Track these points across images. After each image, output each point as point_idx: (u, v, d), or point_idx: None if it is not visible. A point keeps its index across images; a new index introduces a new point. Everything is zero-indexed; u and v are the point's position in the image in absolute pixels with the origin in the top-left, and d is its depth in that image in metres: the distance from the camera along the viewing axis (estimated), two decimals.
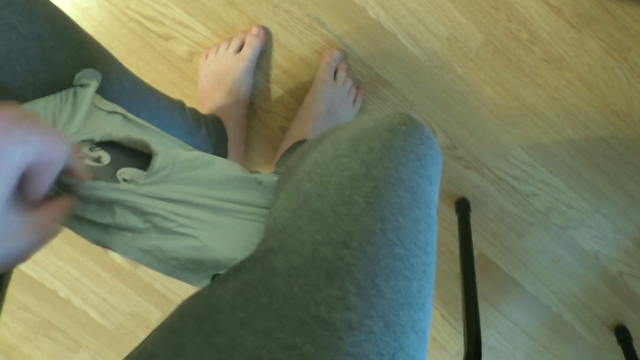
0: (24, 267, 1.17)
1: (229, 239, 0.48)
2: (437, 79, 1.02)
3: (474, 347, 0.88)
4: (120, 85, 0.61)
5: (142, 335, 1.21)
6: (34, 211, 0.36)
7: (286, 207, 0.45)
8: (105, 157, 0.49)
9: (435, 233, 0.45)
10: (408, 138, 0.46)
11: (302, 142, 0.98)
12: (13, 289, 1.17)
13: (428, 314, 0.38)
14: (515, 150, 1.06)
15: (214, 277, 0.47)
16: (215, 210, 0.50)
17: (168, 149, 0.50)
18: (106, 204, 0.45)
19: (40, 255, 1.14)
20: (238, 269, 0.40)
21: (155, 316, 1.20)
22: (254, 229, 0.51)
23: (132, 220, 0.46)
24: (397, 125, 0.47)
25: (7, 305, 1.17)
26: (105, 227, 0.46)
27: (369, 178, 0.42)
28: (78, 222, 0.46)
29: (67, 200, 0.41)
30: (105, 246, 0.47)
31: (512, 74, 1.01)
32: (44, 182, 0.36)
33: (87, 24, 1.01)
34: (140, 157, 0.51)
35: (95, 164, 0.47)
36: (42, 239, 0.37)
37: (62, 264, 1.15)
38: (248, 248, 0.47)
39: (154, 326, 1.17)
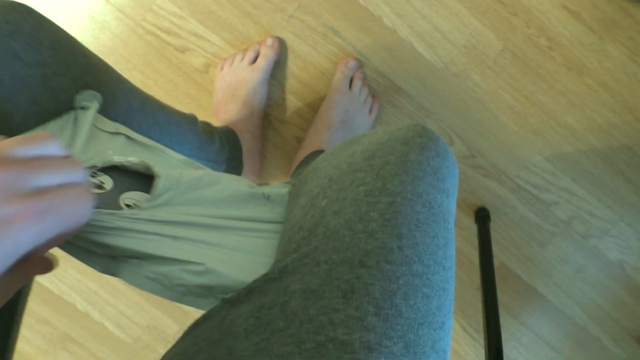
0: (42, 280, 1.18)
1: (237, 261, 0.47)
2: (454, 87, 1.01)
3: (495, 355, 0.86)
4: (128, 105, 0.61)
5: (160, 348, 1.21)
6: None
7: (301, 225, 0.44)
8: (108, 183, 0.48)
9: (454, 247, 0.44)
10: (423, 151, 0.46)
11: (317, 152, 0.97)
12: (32, 302, 1.18)
13: (448, 333, 0.38)
14: (535, 158, 1.04)
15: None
16: (222, 230, 0.49)
17: (171, 170, 0.50)
18: (109, 232, 0.44)
19: (58, 268, 1.14)
20: (251, 290, 0.40)
21: (173, 329, 1.20)
22: (264, 247, 0.50)
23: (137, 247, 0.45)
24: (412, 138, 0.46)
25: (26, 318, 1.18)
26: (112, 256, 0.46)
27: (385, 193, 0.41)
28: (85, 252, 0.45)
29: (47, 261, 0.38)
30: (112, 274, 0.47)
31: (531, 80, 0.99)
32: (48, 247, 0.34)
33: (104, 36, 1.01)
34: (145, 179, 0.50)
35: (98, 190, 0.47)
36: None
37: (80, 276, 1.16)
38: (258, 270, 0.46)
39: (171, 339, 1.18)
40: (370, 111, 1.02)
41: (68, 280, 1.17)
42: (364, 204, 0.41)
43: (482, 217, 1.04)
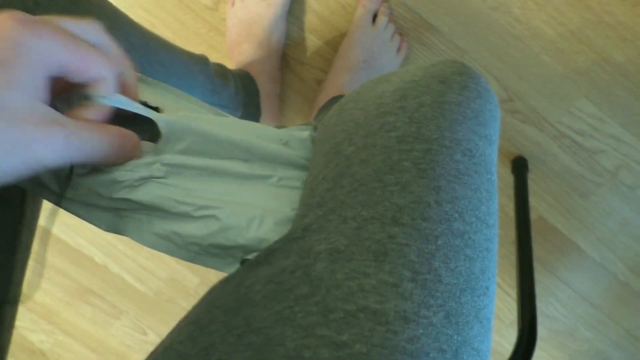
0: (58, 233, 1.17)
1: (257, 215, 0.42)
2: (491, 22, 0.92)
3: (528, 317, 0.83)
4: (128, 43, 0.56)
5: (181, 301, 1.21)
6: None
7: (325, 175, 0.40)
8: None
9: (497, 202, 0.39)
10: (463, 91, 0.41)
11: (338, 97, 0.91)
12: (49, 255, 1.18)
13: (492, 299, 0.34)
14: (580, 101, 0.96)
15: (243, 262, 0.43)
16: (239, 178, 0.45)
17: (180, 112, 0.45)
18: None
19: (74, 221, 1.13)
20: (271, 251, 0.36)
21: (193, 282, 1.19)
22: (287, 198, 0.45)
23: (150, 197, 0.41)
24: (451, 76, 0.42)
25: (44, 270, 1.18)
26: (117, 211, 0.42)
27: (419, 140, 0.37)
28: (86, 208, 0.42)
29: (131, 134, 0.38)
30: (118, 232, 0.43)
31: (578, 13, 0.90)
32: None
33: None
34: (154, 127, 0.45)
35: None
36: (75, 142, 0.32)
37: (96, 229, 1.15)
38: (281, 226, 0.42)
39: (192, 292, 1.18)
40: (398, 51, 0.94)
41: (85, 234, 1.17)
42: (396, 151, 0.37)
43: (519, 166, 0.98)
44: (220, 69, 0.83)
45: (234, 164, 0.45)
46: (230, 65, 0.96)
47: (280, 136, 0.49)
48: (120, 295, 1.22)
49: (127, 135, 0.37)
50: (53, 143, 0.30)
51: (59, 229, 1.17)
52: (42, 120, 0.29)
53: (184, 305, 1.21)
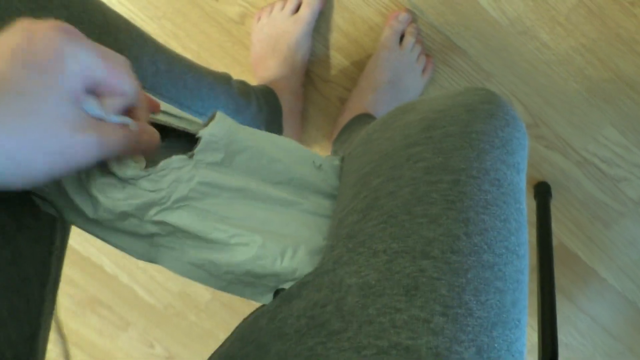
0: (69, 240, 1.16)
1: (290, 244, 0.42)
2: (519, 46, 0.92)
3: (550, 348, 0.82)
4: (154, 67, 0.56)
5: (192, 316, 1.19)
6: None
7: (354, 207, 0.40)
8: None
9: (527, 232, 0.39)
10: (491, 119, 0.41)
11: (362, 116, 0.90)
12: None
13: (524, 331, 0.34)
14: (606, 129, 0.96)
15: (277, 293, 0.42)
16: (271, 202, 0.44)
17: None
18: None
19: None
20: (303, 284, 0.36)
21: (204, 297, 1.18)
22: (317, 226, 0.45)
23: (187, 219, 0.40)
24: (478, 104, 0.42)
25: None
26: (151, 238, 0.41)
27: (447, 171, 0.37)
28: (119, 234, 0.41)
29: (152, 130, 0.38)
30: (152, 261, 0.43)
31: (608, 41, 0.90)
32: (113, 107, 0.34)
33: None
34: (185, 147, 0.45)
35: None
36: (106, 145, 0.33)
37: None
38: (313, 255, 0.42)
39: (202, 308, 1.17)
40: (423, 72, 0.94)
41: (95, 242, 1.14)
42: (424, 183, 0.37)
43: (542, 192, 0.98)
44: (244, 87, 0.83)
45: (267, 187, 0.44)
46: (253, 79, 0.95)
47: (314, 158, 0.48)
48: (129, 307, 1.20)
49: (147, 130, 0.38)
50: (88, 148, 0.31)
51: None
52: (78, 126, 0.30)
53: (193, 319, 1.19)
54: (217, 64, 0.98)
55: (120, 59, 0.35)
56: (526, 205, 0.93)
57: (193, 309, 1.19)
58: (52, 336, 1.21)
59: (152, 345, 1.23)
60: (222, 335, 1.19)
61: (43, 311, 0.41)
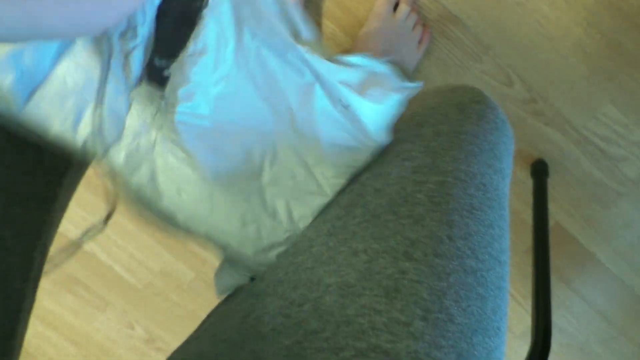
0: None
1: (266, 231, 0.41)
2: (518, 19, 0.89)
3: (543, 331, 0.80)
4: None
5: (174, 297, 1.17)
6: None
7: (338, 200, 0.39)
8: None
9: (509, 238, 0.39)
10: (480, 122, 0.41)
11: None
12: None
13: (504, 339, 0.34)
14: (606, 107, 0.94)
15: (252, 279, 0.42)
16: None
17: None
18: None
19: None
20: (279, 281, 0.36)
21: (188, 276, 1.15)
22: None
23: None
24: (469, 104, 0.42)
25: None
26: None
27: (434, 171, 0.37)
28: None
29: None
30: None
31: (610, 15, 0.88)
32: None
33: None
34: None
35: None
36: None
37: (86, 214, 1.10)
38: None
39: (185, 287, 1.14)
40: (419, 43, 0.92)
41: (73, 218, 1.12)
42: (410, 182, 0.37)
43: (539, 171, 0.96)
44: None
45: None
46: None
47: (342, 92, 0.45)
48: (108, 287, 1.17)
49: None
50: None
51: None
52: None
53: (175, 300, 1.17)
54: None
55: None
56: (517, 180, 0.92)
57: (175, 289, 1.16)
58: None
59: (132, 326, 1.21)
60: (204, 316, 1.16)
61: (22, 307, 0.40)
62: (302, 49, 0.37)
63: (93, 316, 1.20)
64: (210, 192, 0.38)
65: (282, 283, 0.35)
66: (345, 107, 0.39)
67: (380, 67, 0.41)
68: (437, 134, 0.40)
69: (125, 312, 1.19)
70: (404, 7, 0.89)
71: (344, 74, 0.39)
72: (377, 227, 0.35)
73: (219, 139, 0.38)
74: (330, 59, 0.39)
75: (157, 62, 0.36)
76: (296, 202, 0.39)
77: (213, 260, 1.11)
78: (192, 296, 1.16)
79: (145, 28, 0.35)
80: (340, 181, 0.39)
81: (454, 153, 0.38)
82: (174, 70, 0.36)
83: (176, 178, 0.37)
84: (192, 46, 0.36)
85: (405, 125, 0.41)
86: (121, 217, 1.10)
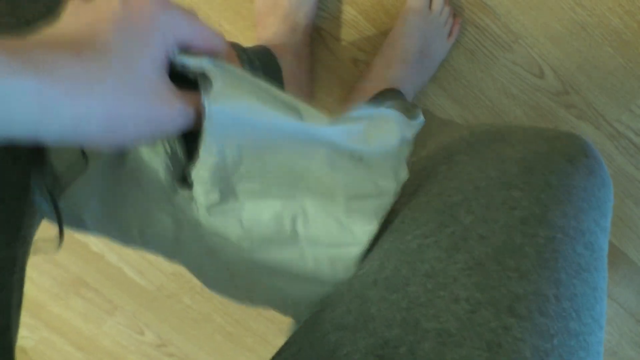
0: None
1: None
2: (551, 6, 0.86)
3: None
4: None
5: (186, 299, 1.14)
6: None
7: (438, 241, 0.37)
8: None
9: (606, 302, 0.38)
10: (590, 177, 0.40)
11: (391, 91, 0.85)
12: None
13: None
14: None
15: None
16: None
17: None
18: None
19: None
20: (371, 317, 0.35)
21: None
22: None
23: None
24: (577, 156, 0.41)
25: (34, 258, 1.11)
26: None
27: (544, 225, 0.36)
28: None
29: None
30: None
31: None
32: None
33: None
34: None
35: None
36: (189, 115, 0.35)
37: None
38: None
39: (199, 289, 1.11)
40: (449, 35, 0.88)
41: None
42: (519, 234, 0.36)
43: None
44: (235, 51, 0.77)
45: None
46: (256, 39, 0.89)
47: (350, 150, 0.41)
48: (118, 289, 1.15)
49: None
50: (175, 118, 0.33)
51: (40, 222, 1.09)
52: (168, 95, 0.33)
53: (188, 302, 1.14)
54: (216, 17, 0.90)
55: (198, 16, 0.37)
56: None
57: (188, 291, 1.14)
58: (31, 321, 1.14)
59: (142, 331, 1.18)
60: (219, 320, 1.14)
61: (12, 303, 0.40)
62: (306, 125, 0.39)
63: (101, 320, 1.18)
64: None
65: (374, 319, 0.34)
66: (359, 160, 0.40)
67: (383, 112, 0.43)
68: (548, 186, 0.38)
69: (135, 315, 1.17)
70: (439, 1, 0.86)
71: (351, 130, 0.40)
72: (480, 276, 0.34)
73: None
74: (334, 122, 0.40)
75: None
76: (337, 257, 0.40)
77: None
78: (206, 298, 1.14)
79: None
80: (372, 228, 0.40)
81: (565, 208, 0.37)
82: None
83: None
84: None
85: (512, 169, 0.40)
86: None
